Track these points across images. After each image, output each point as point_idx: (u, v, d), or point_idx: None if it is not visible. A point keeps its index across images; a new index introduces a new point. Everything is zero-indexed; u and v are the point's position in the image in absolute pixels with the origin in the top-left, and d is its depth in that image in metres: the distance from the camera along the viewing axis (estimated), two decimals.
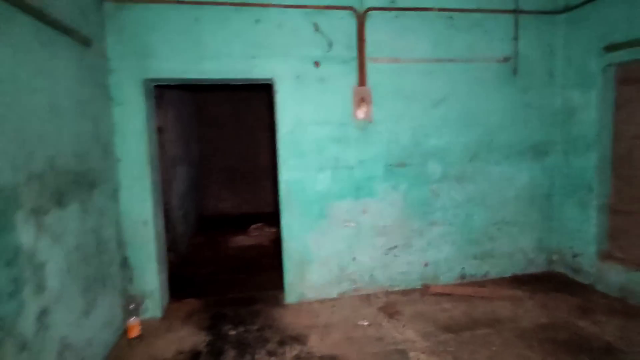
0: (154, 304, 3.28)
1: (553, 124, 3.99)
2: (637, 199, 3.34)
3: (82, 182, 2.46)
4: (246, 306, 3.52)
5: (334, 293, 3.62)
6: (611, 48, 3.37)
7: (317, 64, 3.42)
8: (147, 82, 3.22)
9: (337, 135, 3.52)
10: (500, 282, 3.90)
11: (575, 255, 3.85)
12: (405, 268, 3.76)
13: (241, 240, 6.04)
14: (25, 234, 1.84)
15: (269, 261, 4.84)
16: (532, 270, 4.08)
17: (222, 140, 7.49)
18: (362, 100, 3.55)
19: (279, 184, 3.49)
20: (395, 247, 3.73)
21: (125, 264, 3.17)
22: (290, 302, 3.54)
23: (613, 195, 3.55)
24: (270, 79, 3.39)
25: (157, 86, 4.65)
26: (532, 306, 3.35)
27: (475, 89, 3.79)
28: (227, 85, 6.42)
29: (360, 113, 3.56)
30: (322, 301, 3.55)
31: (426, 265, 3.81)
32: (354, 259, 3.64)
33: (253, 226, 6.43)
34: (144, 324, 3.15)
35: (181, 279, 4.36)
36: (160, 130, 4.82)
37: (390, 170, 3.65)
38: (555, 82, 3.95)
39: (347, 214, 3.60)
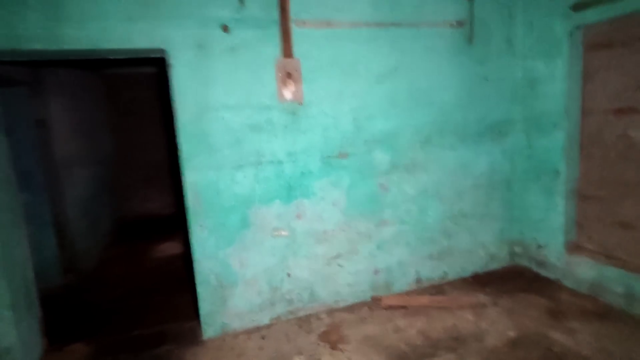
0: None
1: (513, 100, 3.48)
2: (609, 183, 2.91)
3: None
4: (151, 348, 2.73)
5: (265, 319, 2.92)
6: (579, 7, 2.84)
7: (225, 28, 2.60)
8: None
9: (259, 122, 2.75)
10: (460, 284, 3.39)
11: (539, 247, 3.43)
12: (351, 279, 3.13)
13: (168, 248, 5.15)
14: None
15: None
16: (494, 266, 3.63)
17: (142, 131, 6.40)
18: (288, 76, 2.79)
19: (183, 188, 2.67)
20: (339, 255, 3.08)
21: None
22: (209, 337, 2.79)
23: (582, 178, 3.12)
24: (161, 50, 2.51)
25: (30, 67, 3.60)
26: (497, 315, 2.86)
27: (425, 60, 3.16)
28: (139, 63, 5.38)
29: (288, 93, 2.81)
30: (249, 331, 2.84)
31: (376, 272, 3.20)
32: (288, 274, 2.95)
33: (182, 231, 5.53)
34: None
35: (76, 310, 3.46)
36: (40, 124, 3.79)
37: (328, 163, 2.96)
38: (515, 51, 3.41)
39: (278, 221, 2.88)
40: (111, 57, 2.56)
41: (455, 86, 3.29)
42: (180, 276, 4.13)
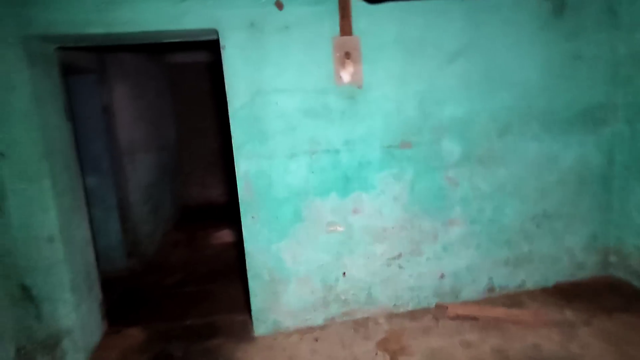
0: (73, 346, 2.45)
1: (613, 82, 2.91)
2: None
3: None
4: (202, 340, 2.67)
5: (319, 319, 2.74)
6: None
7: (279, 5, 2.40)
8: (34, 41, 2.25)
9: (314, 108, 2.53)
10: (540, 295, 2.94)
11: None
12: (413, 282, 2.84)
13: (224, 235, 5.20)
14: None
15: None
16: (582, 275, 3.11)
17: (202, 119, 6.52)
18: (347, 56, 2.53)
19: (236, 177, 2.54)
20: (400, 255, 2.79)
21: (26, 296, 2.32)
22: (260, 334, 2.67)
23: None
24: (213, 31, 2.38)
25: (98, 53, 3.72)
26: (591, 338, 2.41)
27: (505, 36, 2.72)
28: (194, 47, 5.42)
29: (346, 75, 2.55)
30: (302, 331, 2.67)
31: (442, 277, 2.87)
32: (344, 273, 2.73)
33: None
34: None
35: (137, 294, 3.55)
36: (105, 111, 3.91)
37: (390, 153, 2.67)
38: (619, 23, 2.83)
39: (333, 215, 2.66)
40: (165, 41, 2.47)
41: (540, 66, 2.81)
42: (234, 265, 4.11)
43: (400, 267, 2.79)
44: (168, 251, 4.75)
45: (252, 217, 2.54)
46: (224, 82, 2.44)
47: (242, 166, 2.50)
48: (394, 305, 2.83)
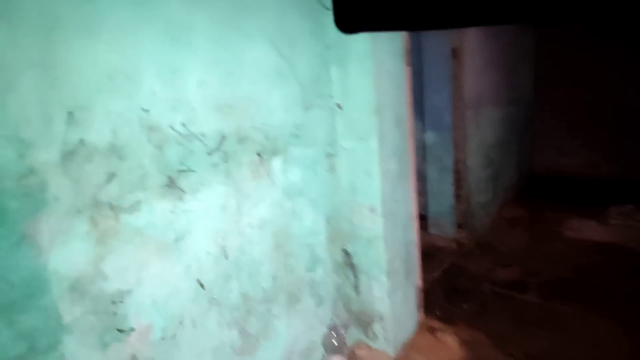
0: (384, 334, 2.11)
1: None
2: None
3: (227, 149, 1.51)
4: None
5: None
6: None
7: None
8: None
9: None
10: None
11: None
12: None
13: (588, 228, 3.63)
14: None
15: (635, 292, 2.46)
16: None
17: (574, 63, 4.71)
18: None
19: None
20: None
21: (347, 262, 2.14)
22: None
23: None
24: None
25: None
26: None
27: None
28: None
29: None
30: None
31: None
32: None
33: (616, 208, 3.74)
34: None
35: (461, 277, 2.95)
36: (454, 55, 3.27)
37: None
38: None
39: None
40: None
41: None
42: (603, 283, 2.67)
43: None
44: (504, 231, 3.82)
45: None
46: None
47: None
48: None
